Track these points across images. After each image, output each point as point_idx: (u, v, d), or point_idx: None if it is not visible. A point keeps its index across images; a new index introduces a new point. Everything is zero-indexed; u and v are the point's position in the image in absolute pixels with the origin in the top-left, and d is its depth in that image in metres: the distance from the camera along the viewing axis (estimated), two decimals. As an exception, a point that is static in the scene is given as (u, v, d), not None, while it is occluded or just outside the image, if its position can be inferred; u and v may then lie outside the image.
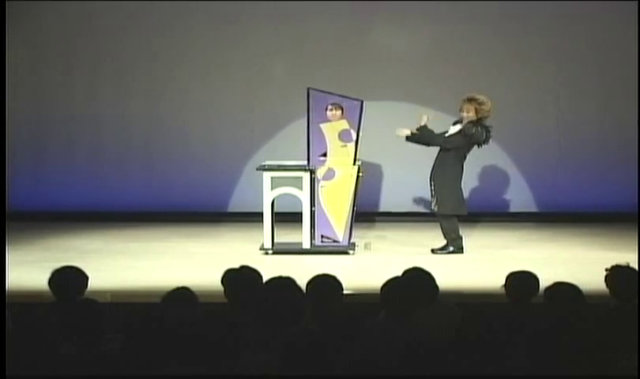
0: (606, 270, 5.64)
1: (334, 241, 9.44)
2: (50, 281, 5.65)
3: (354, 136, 9.38)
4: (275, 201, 9.45)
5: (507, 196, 12.02)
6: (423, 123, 9.46)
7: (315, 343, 4.14)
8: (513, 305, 5.55)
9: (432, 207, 9.49)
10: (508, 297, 5.58)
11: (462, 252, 9.38)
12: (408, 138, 9.50)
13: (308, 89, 9.42)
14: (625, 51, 11.75)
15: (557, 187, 11.94)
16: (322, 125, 9.38)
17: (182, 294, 5.18)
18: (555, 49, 11.84)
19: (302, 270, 7.01)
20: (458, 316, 5.54)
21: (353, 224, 9.46)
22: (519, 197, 11.98)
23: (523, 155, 11.96)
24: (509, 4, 11.74)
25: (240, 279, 5.62)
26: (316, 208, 9.38)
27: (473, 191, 11.84)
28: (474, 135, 9.32)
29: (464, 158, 9.47)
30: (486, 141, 9.44)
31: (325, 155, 9.40)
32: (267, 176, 9.38)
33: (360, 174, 9.46)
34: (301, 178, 9.34)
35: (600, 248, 9.69)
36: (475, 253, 9.58)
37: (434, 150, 9.56)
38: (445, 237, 9.47)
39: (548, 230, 11.02)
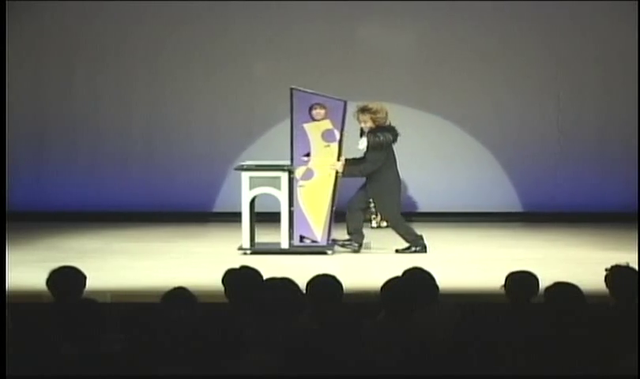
0: (606, 270, 5.64)
1: (313, 241, 9.41)
2: (48, 281, 5.66)
3: (337, 136, 9.35)
4: (256, 201, 9.43)
5: (507, 195, 11.99)
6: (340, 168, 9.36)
7: (315, 343, 4.14)
8: (513, 305, 5.55)
9: (374, 225, 9.44)
10: (508, 297, 5.58)
11: (426, 251, 9.36)
12: (343, 174, 9.40)
13: (291, 89, 9.39)
14: (625, 51, 11.74)
15: (557, 187, 11.94)
16: (306, 125, 9.35)
17: (179, 294, 5.18)
18: (555, 49, 11.83)
19: (302, 270, 7.00)
20: (458, 316, 5.54)
21: (332, 224, 9.44)
22: (519, 197, 11.97)
23: (523, 154, 11.94)
24: (509, 4, 11.73)
25: (240, 278, 5.62)
26: (295, 208, 9.36)
27: (473, 191, 11.85)
28: (382, 142, 9.27)
29: (395, 161, 9.40)
30: (394, 140, 9.34)
31: (308, 155, 9.37)
32: (245, 176, 9.37)
33: (340, 174, 9.47)
34: (279, 178, 9.34)
35: (600, 248, 9.68)
36: (475, 252, 9.59)
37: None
38: (406, 241, 9.40)
39: (549, 230, 11.01)
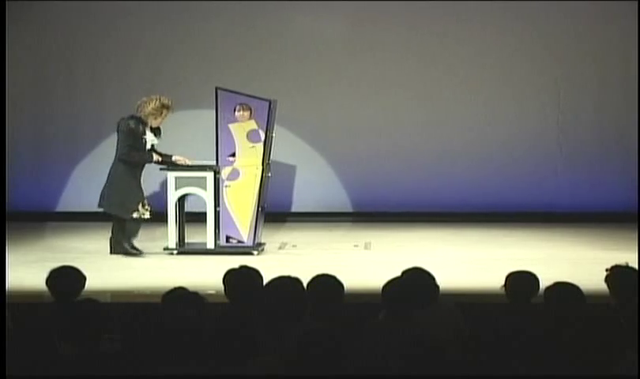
0: (606, 270, 5.64)
1: (239, 241, 9.39)
2: (48, 281, 5.66)
3: (262, 137, 9.30)
4: (185, 201, 9.44)
5: (507, 195, 11.98)
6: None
7: (315, 343, 4.14)
8: (513, 305, 5.55)
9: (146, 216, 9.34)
10: (508, 297, 5.58)
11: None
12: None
13: (216, 89, 9.37)
14: (625, 51, 11.74)
15: (557, 187, 11.93)
16: (231, 126, 9.33)
17: (179, 294, 5.18)
18: (555, 49, 11.83)
19: (302, 271, 7.00)
20: (458, 316, 5.54)
21: (259, 224, 9.43)
22: (519, 197, 11.95)
23: (523, 155, 11.94)
24: (508, 4, 11.73)
25: (241, 278, 5.62)
26: (221, 208, 9.34)
27: (473, 190, 11.84)
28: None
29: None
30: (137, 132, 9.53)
31: (233, 155, 9.34)
32: (171, 176, 9.36)
33: (269, 175, 9.44)
34: (205, 178, 9.31)
35: (600, 248, 9.69)
36: (475, 252, 9.59)
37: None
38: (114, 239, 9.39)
39: (548, 230, 11.01)
